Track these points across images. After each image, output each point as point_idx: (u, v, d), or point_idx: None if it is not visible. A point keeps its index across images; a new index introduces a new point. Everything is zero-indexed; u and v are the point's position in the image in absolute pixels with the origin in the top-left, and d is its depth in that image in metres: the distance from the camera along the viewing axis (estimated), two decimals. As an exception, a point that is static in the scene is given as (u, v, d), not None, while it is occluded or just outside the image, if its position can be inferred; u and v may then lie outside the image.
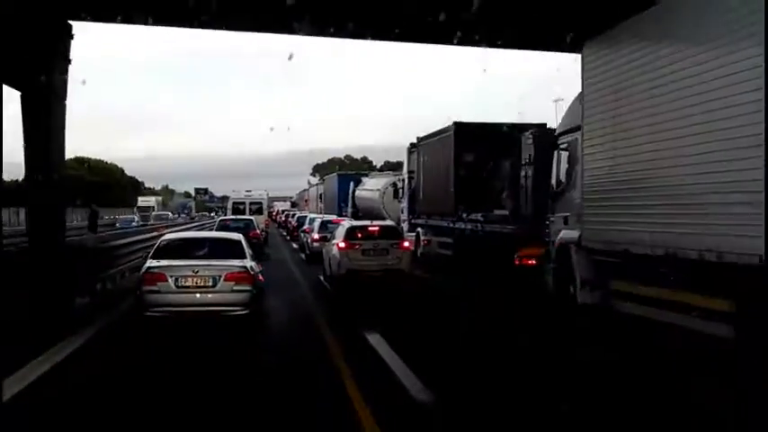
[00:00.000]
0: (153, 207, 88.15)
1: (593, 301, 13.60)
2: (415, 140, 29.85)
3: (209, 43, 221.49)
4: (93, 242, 27.70)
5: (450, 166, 24.46)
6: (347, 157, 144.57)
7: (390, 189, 36.78)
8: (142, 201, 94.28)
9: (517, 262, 18.47)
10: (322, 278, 22.07)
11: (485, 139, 23.41)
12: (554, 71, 28.01)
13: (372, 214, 35.83)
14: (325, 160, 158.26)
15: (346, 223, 23.27)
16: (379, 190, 39.00)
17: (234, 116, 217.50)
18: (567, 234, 14.80)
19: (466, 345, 11.96)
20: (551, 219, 15.93)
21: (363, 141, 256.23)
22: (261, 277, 13.38)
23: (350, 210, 44.13)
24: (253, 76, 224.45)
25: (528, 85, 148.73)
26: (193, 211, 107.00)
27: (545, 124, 21.08)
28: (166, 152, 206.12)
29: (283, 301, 17.15)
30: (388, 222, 25.00)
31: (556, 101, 19.98)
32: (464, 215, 22.84)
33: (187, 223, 60.93)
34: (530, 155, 20.02)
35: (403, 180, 32.15)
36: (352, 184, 45.26)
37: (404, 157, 32.09)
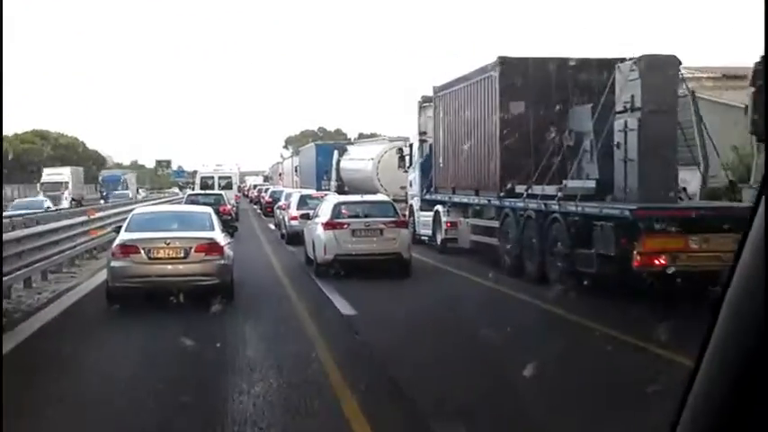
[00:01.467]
0: (65, 183, 59.03)
1: None
2: (428, 95, 22.89)
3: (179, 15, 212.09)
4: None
5: (492, 121, 17.54)
6: (320, 129, 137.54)
7: (387, 157, 30.16)
8: (49, 174, 61.29)
9: (638, 262, 11.76)
10: (305, 264, 18.50)
11: (544, 81, 16.67)
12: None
13: (362, 188, 29.48)
14: (298, 133, 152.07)
15: (332, 198, 19.57)
16: (372, 159, 32.02)
17: (203, 92, 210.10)
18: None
19: None
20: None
21: (336, 115, 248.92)
22: (230, 249, 13.63)
23: (333, 183, 37.87)
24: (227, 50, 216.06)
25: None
26: (132, 188, 77.17)
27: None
28: (135, 126, 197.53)
29: (260, 298, 14.35)
30: (381, 196, 20.37)
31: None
32: (524, 190, 15.89)
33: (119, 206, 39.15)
34: (632, 96, 13.37)
35: (410, 145, 24.71)
36: (336, 153, 38.72)
37: (378, 129, 26.63)
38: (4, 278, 13.05)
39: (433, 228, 21.85)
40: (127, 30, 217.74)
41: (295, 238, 22.69)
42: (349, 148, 38.88)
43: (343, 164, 37.34)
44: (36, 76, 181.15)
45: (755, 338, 1.33)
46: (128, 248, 12.79)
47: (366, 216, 16.76)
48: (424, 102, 23.38)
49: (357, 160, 34.96)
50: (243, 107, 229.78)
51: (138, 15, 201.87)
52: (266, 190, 55.11)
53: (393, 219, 16.76)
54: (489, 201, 18.03)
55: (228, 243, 13.89)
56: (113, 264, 12.86)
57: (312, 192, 30.45)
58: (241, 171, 73.90)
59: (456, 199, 20.43)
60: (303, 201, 25.47)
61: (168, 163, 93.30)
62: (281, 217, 29.09)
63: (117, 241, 13.28)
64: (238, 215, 36.66)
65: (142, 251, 12.70)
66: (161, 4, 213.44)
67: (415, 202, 23.64)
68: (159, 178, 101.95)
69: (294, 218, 24.57)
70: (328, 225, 16.45)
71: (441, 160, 21.73)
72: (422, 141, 23.49)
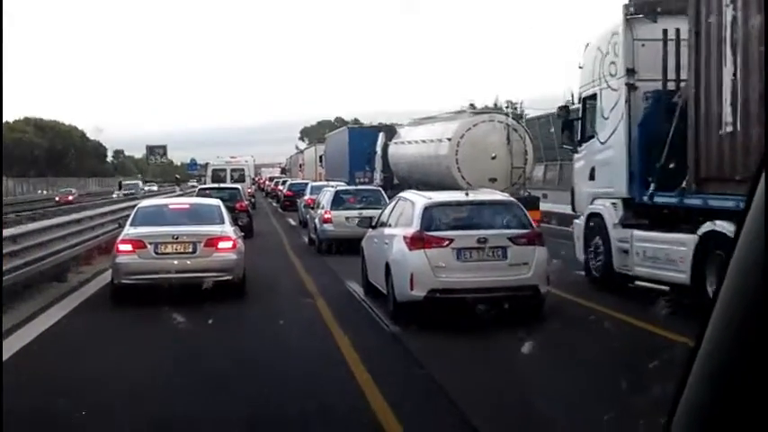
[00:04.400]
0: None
1: None
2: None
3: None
4: None
5: None
6: (337, 119, 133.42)
7: (472, 136, 21.66)
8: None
9: None
10: (365, 294, 12.71)
11: None
12: None
13: (427, 181, 22.50)
14: (314, 123, 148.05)
15: (413, 196, 12.07)
16: (448, 140, 22.36)
17: (218, 86, 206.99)
18: None
19: None
20: None
21: (352, 109, 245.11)
22: (241, 243, 13.19)
23: (378, 175, 30.59)
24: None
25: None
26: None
27: None
28: (149, 122, 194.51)
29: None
30: (499, 194, 12.73)
31: None
32: None
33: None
34: None
35: (583, 100, 13.83)
36: (382, 136, 30.76)
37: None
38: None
39: (701, 254, 10.30)
40: (142, 14, 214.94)
41: (333, 246, 18.93)
42: (400, 130, 30.35)
43: (393, 149, 29.18)
44: (30, 59, 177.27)
45: (753, 331, 1.30)
46: (134, 243, 12.50)
47: (477, 226, 10.83)
48: (635, 11, 12.37)
49: (419, 143, 25.78)
50: (256, 99, 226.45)
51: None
52: (284, 182, 51.53)
53: (523, 231, 10.74)
54: None
55: (239, 237, 13.36)
56: (118, 260, 12.53)
57: (352, 186, 25.34)
58: (256, 163, 70.14)
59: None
60: (339, 198, 20.63)
61: (164, 150, 76.64)
62: (307, 216, 24.35)
63: (122, 236, 12.95)
64: (253, 213, 31.24)
65: (149, 246, 12.43)
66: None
67: (607, 212, 12.77)
68: (150, 169, 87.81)
69: (328, 220, 19.80)
70: (416, 241, 10.56)
71: (727, 119, 9.92)
72: (630, 88, 12.23)
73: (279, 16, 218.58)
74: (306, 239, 22.91)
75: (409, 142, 27.06)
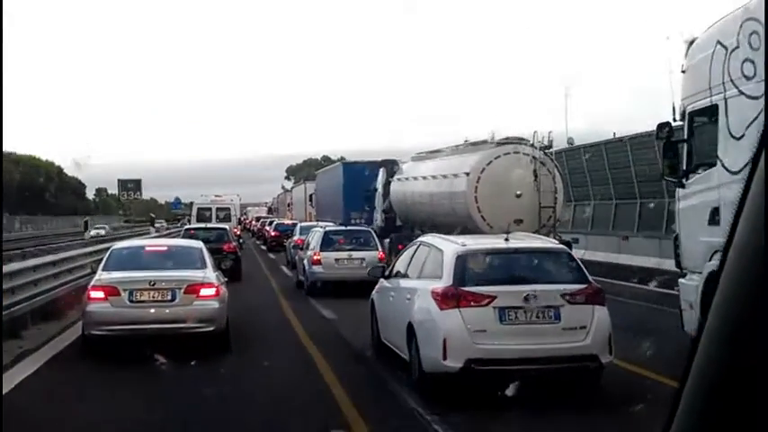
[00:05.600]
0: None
1: None
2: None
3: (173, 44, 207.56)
4: None
5: None
6: (324, 158, 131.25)
7: (494, 169, 18.73)
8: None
9: None
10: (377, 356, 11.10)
11: None
12: None
13: (439, 222, 19.85)
14: (300, 161, 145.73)
15: (437, 241, 10.12)
16: (467, 174, 19.22)
17: (202, 123, 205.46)
18: None
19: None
20: None
21: (337, 147, 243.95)
22: (224, 290, 12.06)
23: (379, 215, 27.77)
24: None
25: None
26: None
27: None
28: (129, 160, 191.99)
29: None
30: (549, 241, 10.64)
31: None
32: None
33: None
34: None
35: (712, 110, 9.94)
36: (382, 173, 27.92)
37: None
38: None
39: None
40: (125, 47, 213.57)
41: (318, 287, 18.81)
42: (402, 165, 27.33)
43: (396, 187, 25.99)
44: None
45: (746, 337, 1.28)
46: (106, 290, 11.55)
47: (522, 280, 8.91)
48: None
49: (429, 179, 22.37)
50: (240, 138, 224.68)
51: (132, 28, 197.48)
52: (270, 223, 50.75)
53: (579, 286, 8.81)
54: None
55: (222, 283, 12.30)
56: (90, 308, 11.57)
57: (341, 227, 23.38)
58: (242, 203, 67.66)
59: None
60: (329, 239, 19.97)
61: (138, 185, 66.58)
62: (295, 257, 23.63)
63: (93, 281, 11.99)
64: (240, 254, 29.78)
65: (123, 293, 11.47)
66: (154, 22, 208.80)
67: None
68: (123, 206, 78.24)
69: (317, 261, 19.18)
70: (449, 298, 8.66)
71: None
72: None
73: (262, 52, 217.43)
74: (294, 281, 22.25)
75: (415, 178, 24.15)
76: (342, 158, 60.68)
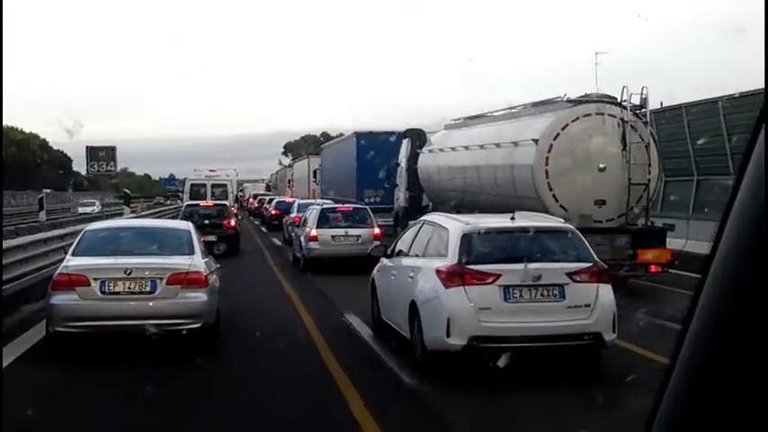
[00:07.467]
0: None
1: None
2: None
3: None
4: None
5: None
6: (323, 134, 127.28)
7: (570, 137, 14.83)
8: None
9: None
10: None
11: None
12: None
13: (485, 203, 16.62)
14: (298, 138, 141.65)
15: (441, 220, 10.49)
16: (535, 142, 15.14)
17: (198, 98, 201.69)
18: None
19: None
20: None
21: (338, 123, 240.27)
22: (215, 280, 10.88)
23: (402, 194, 24.49)
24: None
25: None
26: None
27: None
28: (125, 134, 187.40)
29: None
30: (555, 221, 10.42)
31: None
32: None
33: None
34: None
35: None
36: (406, 143, 24.34)
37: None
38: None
39: None
40: (120, 21, 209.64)
41: (314, 262, 19.48)
42: (435, 135, 23.14)
43: (426, 160, 22.07)
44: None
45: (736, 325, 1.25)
46: (74, 279, 10.05)
47: (527, 257, 8.93)
48: None
49: (475, 149, 18.42)
50: (237, 114, 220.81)
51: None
52: (270, 201, 48.13)
53: (584, 264, 9.02)
54: None
55: (212, 271, 10.93)
56: (54, 300, 10.09)
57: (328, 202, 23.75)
58: (238, 179, 63.59)
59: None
60: (325, 216, 20.54)
61: (111, 153, 53.74)
62: (292, 234, 24.75)
63: (60, 269, 10.51)
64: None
65: (93, 283, 10.03)
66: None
67: None
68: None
69: (314, 238, 19.76)
70: (454, 276, 8.85)
71: None
72: None
73: (260, 26, 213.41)
74: (290, 258, 22.92)
75: (453, 149, 20.02)
76: (341, 134, 56.04)
